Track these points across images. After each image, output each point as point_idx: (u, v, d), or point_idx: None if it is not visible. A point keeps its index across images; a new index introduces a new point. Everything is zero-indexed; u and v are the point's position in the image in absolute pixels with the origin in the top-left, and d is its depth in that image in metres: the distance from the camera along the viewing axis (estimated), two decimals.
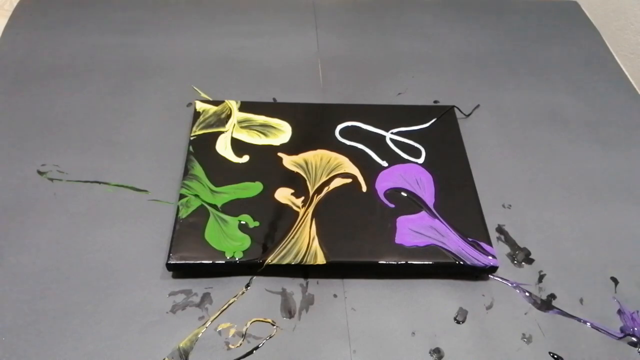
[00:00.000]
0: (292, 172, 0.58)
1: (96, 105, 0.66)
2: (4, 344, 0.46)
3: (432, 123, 0.65)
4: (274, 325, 0.49)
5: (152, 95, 0.68)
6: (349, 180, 0.58)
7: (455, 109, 0.66)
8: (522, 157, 0.65)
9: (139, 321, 0.48)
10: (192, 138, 0.61)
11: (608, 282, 0.54)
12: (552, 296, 0.52)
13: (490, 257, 0.52)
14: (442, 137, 0.63)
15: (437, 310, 0.51)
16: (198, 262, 0.50)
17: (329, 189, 0.57)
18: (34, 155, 0.60)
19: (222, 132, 0.62)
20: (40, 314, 0.48)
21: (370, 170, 0.59)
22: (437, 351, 0.48)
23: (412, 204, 0.56)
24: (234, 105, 0.65)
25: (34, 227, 0.54)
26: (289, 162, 0.59)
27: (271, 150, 0.60)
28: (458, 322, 0.50)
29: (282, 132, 0.62)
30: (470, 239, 0.54)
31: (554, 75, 0.76)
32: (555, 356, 0.48)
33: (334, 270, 0.52)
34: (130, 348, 0.46)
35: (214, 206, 0.54)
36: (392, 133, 0.63)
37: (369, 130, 0.64)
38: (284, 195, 0.56)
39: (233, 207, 0.54)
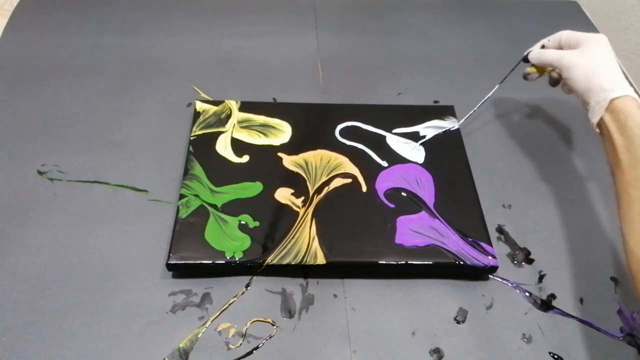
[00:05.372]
0: (292, 172, 0.58)
1: (96, 105, 0.66)
2: (4, 344, 0.46)
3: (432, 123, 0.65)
4: (274, 325, 0.49)
5: (152, 95, 0.68)
6: (349, 180, 0.58)
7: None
8: (522, 157, 0.65)
9: (139, 321, 0.48)
10: (192, 138, 0.61)
11: (608, 282, 0.54)
12: (552, 296, 0.52)
13: (490, 257, 0.52)
14: (442, 137, 0.63)
15: (437, 310, 0.51)
16: (198, 262, 0.50)
17: (329, 189, 0.57)
18: (34, 155, 0.60)
19: (222, 132, 0.62)
20: (40, 314, 0.48)
21: (370, 170, 0.59)
22: (437, 351, 0.48)
23: (412, 204, 0.56)
24: (234, 105, 0.65)
25: (34, 227, 0.54)
26: (289, 162, 0.59)
27: (271, 150, 0.60)
28: (458, 322, 0.50)
29: (282, 132, 0.62)
30: (470, 239, 0.54)
31: None
32: (555, 356, 0.48)
33: (334, 270, 0.52)
34: (130, 348, 0.46)
35: (214, 206, 0.54)
36: (392, 133, 0.63)
37: (369, 130, 0.64)
38: (284, 195, 0.56)
39: (233, 207, 0.54)
